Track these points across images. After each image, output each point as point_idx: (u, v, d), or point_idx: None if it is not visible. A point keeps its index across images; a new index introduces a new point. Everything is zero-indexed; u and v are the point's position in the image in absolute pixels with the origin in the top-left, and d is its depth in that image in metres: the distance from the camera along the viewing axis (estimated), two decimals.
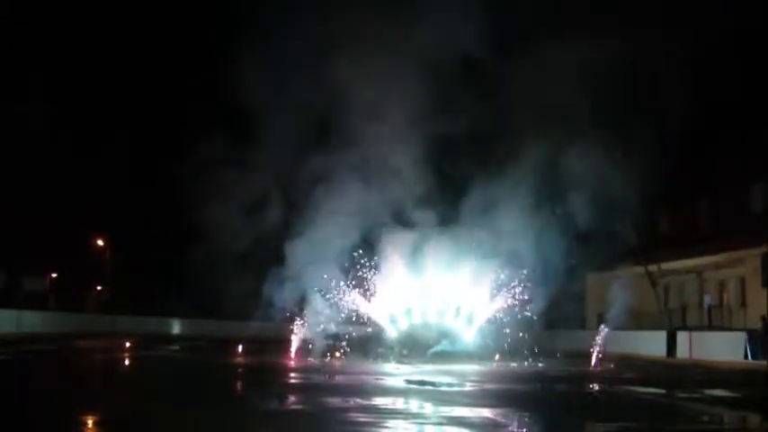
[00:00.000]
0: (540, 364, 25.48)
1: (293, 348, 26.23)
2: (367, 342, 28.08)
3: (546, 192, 27.87)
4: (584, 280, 39.57)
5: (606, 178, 26.80)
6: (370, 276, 28.49)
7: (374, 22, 26.99)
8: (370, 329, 28.86)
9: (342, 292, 27.88)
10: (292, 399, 14.67)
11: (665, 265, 35.16)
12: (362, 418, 11.61)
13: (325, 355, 25.88)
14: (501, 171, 27.74)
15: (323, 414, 12.23)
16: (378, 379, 18.96)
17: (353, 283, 28.24)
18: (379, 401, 14.06)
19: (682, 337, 30.25)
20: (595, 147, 26.42)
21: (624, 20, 26.48)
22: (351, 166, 27.65)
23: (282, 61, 27.93)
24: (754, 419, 13.63)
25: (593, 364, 25.67)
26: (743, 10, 27.17)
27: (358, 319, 28.59)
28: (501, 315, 28.64)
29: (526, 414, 12.97)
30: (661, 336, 31.37)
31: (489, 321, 28.79)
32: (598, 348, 26.26)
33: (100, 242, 49.40)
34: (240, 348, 27.45)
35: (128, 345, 29.38)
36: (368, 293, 28.57)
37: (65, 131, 39.50)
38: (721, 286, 35.70)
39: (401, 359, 26.21)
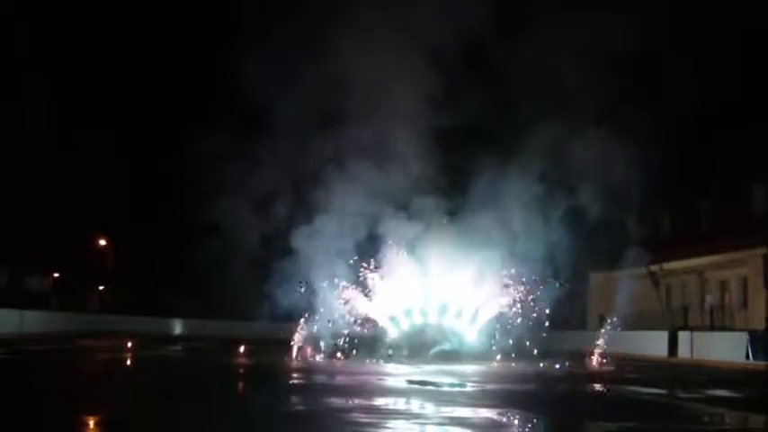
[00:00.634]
0: (541, 365, 25.47)
1: (295, 348, 26.22)
2: (368, 342, 28.07)
3: (547, 190, 27.82)
4: (586, 280, 39.59)
5: (609, 176, 26.81)
6: (371, 275, 28.47)
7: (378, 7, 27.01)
8: (371, 329, 28.83)
9: (344, 291, 27.89)
10: (294, 399, 14.68)
11: (667, 266, 35.16)
12: (364, 418, 11.61)
13: (326, 356, 25.90)
14: (503, 166, 27.65)
15: (324, 414, 12.24)
16: (379, 379, 18.96)
17: (356, 282, 28.26)
18: (381, 402, 14.08)
19: (683, 337, 30.25)
20: (597, 144, 26.37)
21: (624, 18, 26.45)
22: (357, 158, 27.56)
23: (285, 51, 27.86)
24: (755, 420, 13.63)
25: (594, 364, 25.68)
26: (744, 7, 27.19)
27: (360, 320, 28.56)
28: (503, 315, 28.61)
29: (527, 414, 12.97)
30: (663, 336, 31.36)
31: (491, 321, 28.76)
32: (599, 348, 26.27)
33: (102, 242, 49.45)
34: (242, 349, 27.45)
35: (129, 345, 29.41)
36: (369, 293, 28.54)
37: (66, 130, 39.54)
38: (723, 286, 35.72)
39: (402, 359, 26.22)
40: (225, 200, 29.01)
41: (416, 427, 11.19)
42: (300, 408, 13.37)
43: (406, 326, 28.54)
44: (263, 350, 27.97)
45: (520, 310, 28.17)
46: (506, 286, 28.31)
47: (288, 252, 27.17)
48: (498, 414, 12.74)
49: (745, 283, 33.69)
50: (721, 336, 29.67)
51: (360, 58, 26.77)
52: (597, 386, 19.00)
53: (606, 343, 26.50)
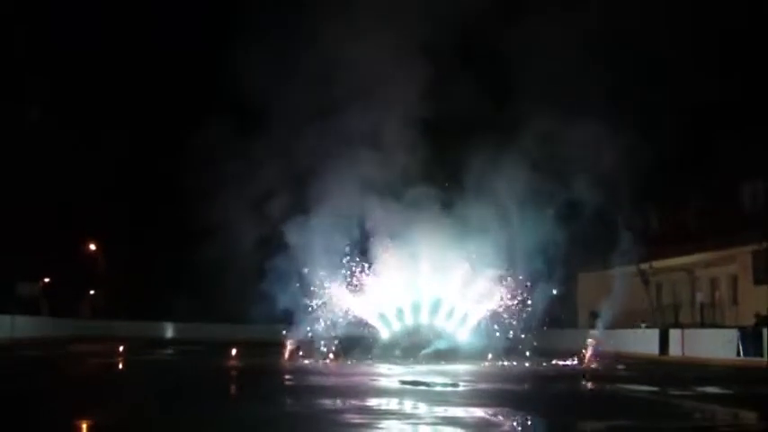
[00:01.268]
0: (532, 364, 25.53)
1: (287, 350, 26.22)
2: (360, 343, 28.09)
3: (538, 188, 27.80)
4: (575, 278, 39.67)
5: (600, 174, 26.85)
6: (362, 275, 28.45)
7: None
8: (363, 330, 28.84)
9: (335, 291, 27.88)
10: (286, 401, 14.68)
11: (657, 264, 35.28)
12: (356, 419, 11.63)
13: (319, 357, 25.91)
14: (494, 162, 27.62)
15: (316, 415, 12.25)
16: (372, 380, 18.99)
17: (347, 282, 28.23)
18: (373, 402, 14.09)
19: (674, 334, 30.37)
20: (589, 140, 26.37)
21: (621, 15, 26.53)
22: (354, 154, 27.53)
23: (285, 51, 27.81)
24: (746, 416, 13.71)
25: (585, 362, 25.76)
26: (730, 10, 27.32)
27: (351, 320, 28.55)
28: (494, 314, 28.65)
29: (520, 413, 13.02)
30: (653, 334, 31.48)
31: (482, 321, 28.80)
32: (590, 347, 26.35)
33: (93, 246, 49.24)
34: (235, 351, 27.42)
35: (121, 349, 29.33)
36: (360, 293, 28.51)
37: (56, 133, 39.29)
38: (713, 284, 35.87)
39: (394, 360, 26.24)
40: (225, 200, 28.90)
41: (409, 427, 11.21)
42: (292, 410, 13.38)
43: (398, 326, 28.58)
44: (255, 352, 27.94)
45: (511, 309, 28.24)
46: (498, 285, 28.36)
47: (283, 249, 27.13)
48: (491, 413, 12.77)
49: (734, 280, 33.84)
50: (712, 333, 29.78)
51: (355, 51, 26.72)
52: (588, 384, 19.06)
53: (597, 341, 26.59)
